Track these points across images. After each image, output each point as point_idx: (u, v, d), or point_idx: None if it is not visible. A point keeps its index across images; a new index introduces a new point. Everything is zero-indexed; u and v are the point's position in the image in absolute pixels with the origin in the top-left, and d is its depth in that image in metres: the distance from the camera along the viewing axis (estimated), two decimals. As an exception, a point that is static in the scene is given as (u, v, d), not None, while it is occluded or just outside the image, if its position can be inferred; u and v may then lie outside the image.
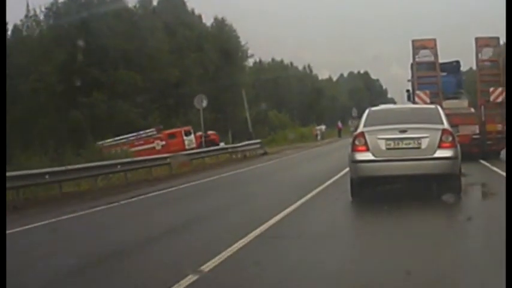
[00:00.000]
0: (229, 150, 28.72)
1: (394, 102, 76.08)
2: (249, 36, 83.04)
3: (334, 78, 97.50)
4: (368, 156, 9.07)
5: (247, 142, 30.89)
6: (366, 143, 9.10)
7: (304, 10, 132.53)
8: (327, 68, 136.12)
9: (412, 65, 19.31)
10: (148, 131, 32.65)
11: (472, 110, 17.95)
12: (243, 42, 51.75)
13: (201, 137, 31.88)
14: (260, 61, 72.52)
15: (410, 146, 8.99)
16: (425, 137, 8.97)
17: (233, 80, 40.26)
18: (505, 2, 12.02)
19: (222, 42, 42.49)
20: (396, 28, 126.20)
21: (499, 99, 17.33)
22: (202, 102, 27.11)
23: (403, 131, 9.02)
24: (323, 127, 51.63)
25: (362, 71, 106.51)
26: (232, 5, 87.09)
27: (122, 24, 34.31)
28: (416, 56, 18.77)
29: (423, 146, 8.96)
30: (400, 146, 9.02)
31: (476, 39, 18.44)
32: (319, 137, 47.75)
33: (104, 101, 33.05)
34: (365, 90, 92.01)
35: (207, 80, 38.27)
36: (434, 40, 18.71)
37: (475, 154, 15.97)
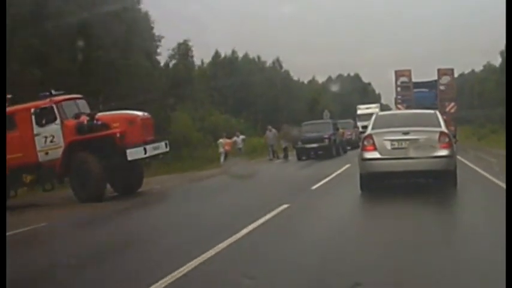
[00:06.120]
0: None
1: (389, 109, 63.44)
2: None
3: (320, 81, 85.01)
4: (375, 154, 10.54)
5: None
6: (373, 144, 10.58)
7: (298, 10, 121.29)
8: (317, 71, 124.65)
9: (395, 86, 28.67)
10: None
11: (444, 117, 25.45)
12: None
13: (77, 126, 14.97)
14: (217, 53, 58.92)
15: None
16: (425, 138, 10.35)
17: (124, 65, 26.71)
18: (505, 2, 12.82)
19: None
20: (393, 33, 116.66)
21: (452, 110, 27.82)
22: None
23: (406, 133, 10.41)
24: (239, 138, 29.07)
25: (352, 74, 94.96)
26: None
27: None
28: (398, 81, 28.30)
29: None
30: (403, 146, 10.36)
31: (438, 69, 28.45)
32: (222, 159, 27.19)
33: None
34: (355, 94, 79.90)
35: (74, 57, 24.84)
36: (410, 70, 28.77)
37: None
